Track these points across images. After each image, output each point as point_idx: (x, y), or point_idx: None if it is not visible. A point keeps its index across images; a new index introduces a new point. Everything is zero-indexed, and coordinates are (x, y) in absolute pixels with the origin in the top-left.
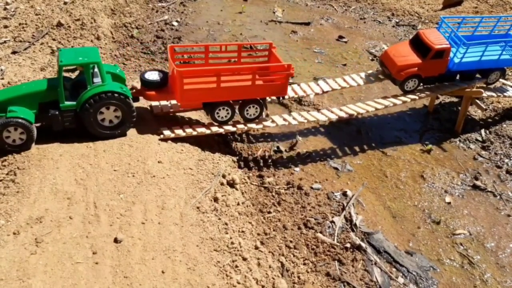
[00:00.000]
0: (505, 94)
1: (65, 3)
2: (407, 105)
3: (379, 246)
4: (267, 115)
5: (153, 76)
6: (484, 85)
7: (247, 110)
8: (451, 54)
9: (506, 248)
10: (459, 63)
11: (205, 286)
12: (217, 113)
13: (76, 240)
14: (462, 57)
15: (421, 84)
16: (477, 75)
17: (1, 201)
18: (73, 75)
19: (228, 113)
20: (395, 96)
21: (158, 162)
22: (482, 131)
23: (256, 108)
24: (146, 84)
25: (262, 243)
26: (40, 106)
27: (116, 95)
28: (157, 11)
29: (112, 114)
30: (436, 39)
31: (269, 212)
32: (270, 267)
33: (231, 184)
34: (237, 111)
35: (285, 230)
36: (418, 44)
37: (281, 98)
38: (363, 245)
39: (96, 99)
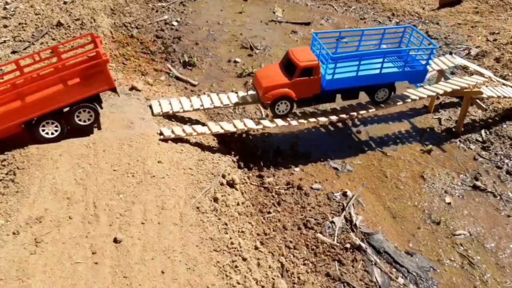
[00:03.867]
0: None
1: (65, 2)
2: (407, 105)
3: (379, 246)
4: (266, 115)
5: None
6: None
7: (77, 116)
8: (323, 71)
9: (506, 248)
10: (332, 80)
11: (205, 286)
12: (43, 129)
13: (76, 240)
14: (333, 74)
15: (296, 106)
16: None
17: (0, 201)
18: None
19: (57, 127)
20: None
21: (158, 162)
22: (482, 131)
23: (89, 112)
24: None
25: (262, 243)
26: None
27: None
28: (157, 11)
29: None
30: (304, 56)
31: (269, 212)
32: (270, 267)
33: (231, 184)
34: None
35: (285, 230)
36: (287, 64)
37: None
38: (363, 245)
39: None
